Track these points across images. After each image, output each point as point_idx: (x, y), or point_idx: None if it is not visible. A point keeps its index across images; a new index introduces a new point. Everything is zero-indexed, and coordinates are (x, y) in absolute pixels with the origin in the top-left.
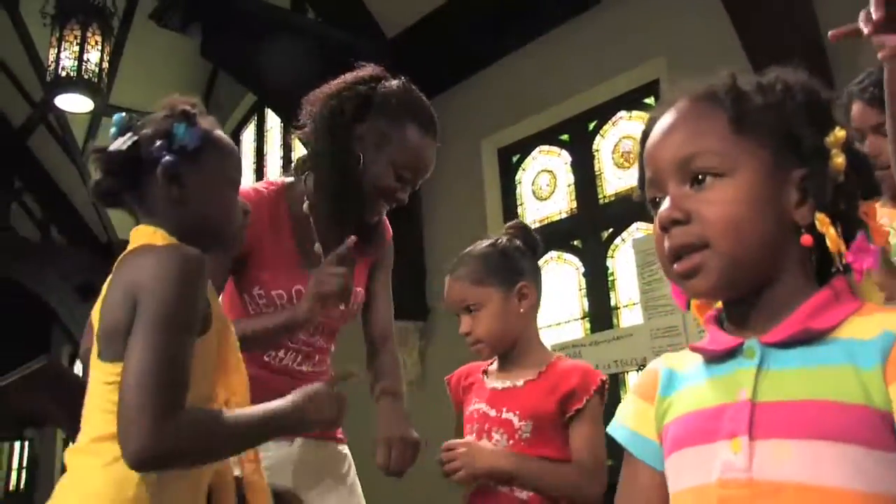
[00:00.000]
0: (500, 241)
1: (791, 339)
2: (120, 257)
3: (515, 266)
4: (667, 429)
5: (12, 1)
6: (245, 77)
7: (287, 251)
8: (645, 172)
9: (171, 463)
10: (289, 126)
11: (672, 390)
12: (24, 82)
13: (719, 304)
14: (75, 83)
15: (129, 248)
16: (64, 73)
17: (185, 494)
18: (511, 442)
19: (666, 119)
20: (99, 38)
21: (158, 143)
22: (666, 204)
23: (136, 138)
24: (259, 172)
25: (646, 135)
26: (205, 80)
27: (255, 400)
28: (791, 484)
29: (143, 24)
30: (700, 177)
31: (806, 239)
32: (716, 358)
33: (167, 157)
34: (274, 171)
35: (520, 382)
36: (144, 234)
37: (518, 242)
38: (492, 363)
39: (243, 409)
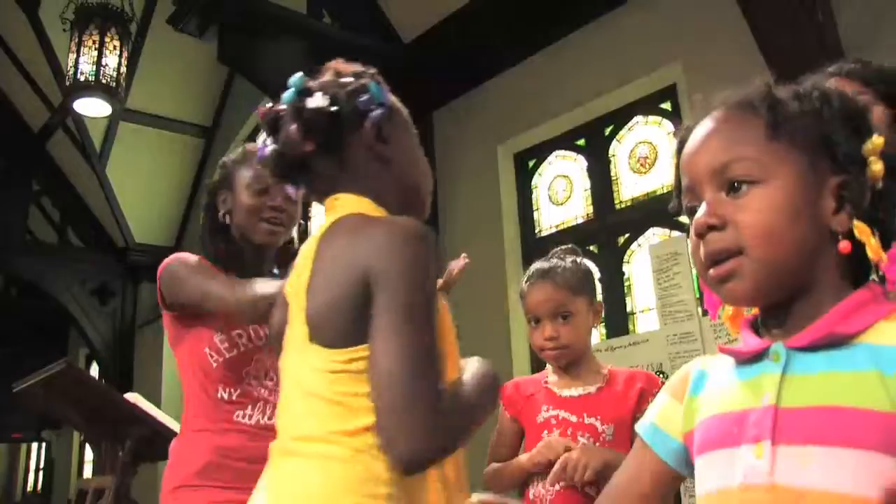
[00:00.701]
0: (579, 258)
1: (816, 343)
2: (324, 228)
3: (594, 284)
4: (695, 430)
5: (32, 6)
6: (261, 81)
7: None
8: (681, 180)
9: (443, 459)
10: None
11: (700, 391)
12: (44, 87)
13: (755, 311)
14: (94, 88)
15: (333, 218)
16: (82, 78)
17: (432, 484)
18: (597, 444)
19: (702, 127)
20: (117, 43)
21: (364, 97)
22: (702, 210)
23: (330, 96)
24: None
25: (682, 143)
26: (221, 84)
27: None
28: (813, 491)
29: (160, 29)
30: (736, 184)
31: (845, 246)
32: (744, 361)
33: (376, 111)
34: None
35: (593, 389)
36: (349, 203)
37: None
38: (549, 375)
39: (458, 381)
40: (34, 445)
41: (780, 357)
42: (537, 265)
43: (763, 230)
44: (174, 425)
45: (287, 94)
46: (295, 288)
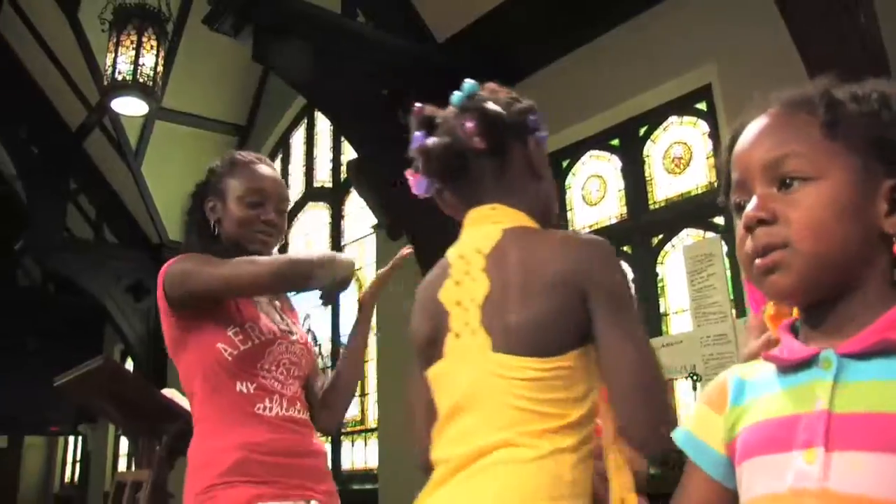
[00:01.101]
0: None
1: (869, 350)
2: (492, 239)
3: None
4: (739, 437)
5: (72, 7)
6: (296, 81)
7: None
8: (731, 176)
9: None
10: (338, 129)
11: (743, 399)
12: (82, 86)
13: (795, 314)
14: (131, 87)
15: (494, 229)
16: (120, 77)
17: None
18: None
19: (757, 123)
20: (154, 43)
21: (534, 116)
22: (752, 204)
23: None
24: (309, 175)
25: (733, 140)
26: (255, 83)
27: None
28: (865, 497)
29: (195, 29)
30: (788, 180)
31: None
32: (790, 367)
33: (543, 132)
34: (323, 174)
35: None
36: (509, 215)
37: None
38: None
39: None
40: (71, 439)
41: (832, 364)
42: None
43: (812, 225)
44: None
45: (459, 96)
46: (457, 298)
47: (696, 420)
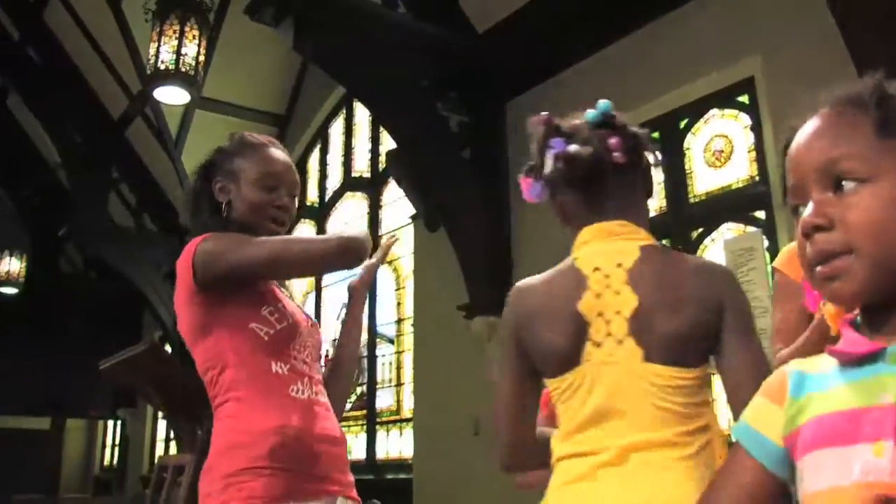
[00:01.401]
0: None
1: None
2: (633, 255)
3: None
4: (800, 431)
5: None
6: (336, 71)
7: None
8: (787, 180)
9: None
10: (378, 119)
11: (804, 392)
12: (124, 76)
13: (856, 310)
14: (173, 76)
15: (631, 245)
16: (163, 67)
17: None
18: None
19: (809, 125)
20: (196, 33)
21: (653, 144)
22: (808, 210)
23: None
24: (347, 166)
25: (788, 143)
26: (294, 73)
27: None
28: None
29: (235, 19)
30: (843, 183)
31: None
32: (853, 362)
33: (661, 157)
34: (362, 164)
35: None
36: (641, 234)
37: None
38: None
39: None
40: (110, 423)
41: None
42: None
43: (872, 228)
44: None
45: (595, 113)
46: (599, 309)
47: (754, 412)
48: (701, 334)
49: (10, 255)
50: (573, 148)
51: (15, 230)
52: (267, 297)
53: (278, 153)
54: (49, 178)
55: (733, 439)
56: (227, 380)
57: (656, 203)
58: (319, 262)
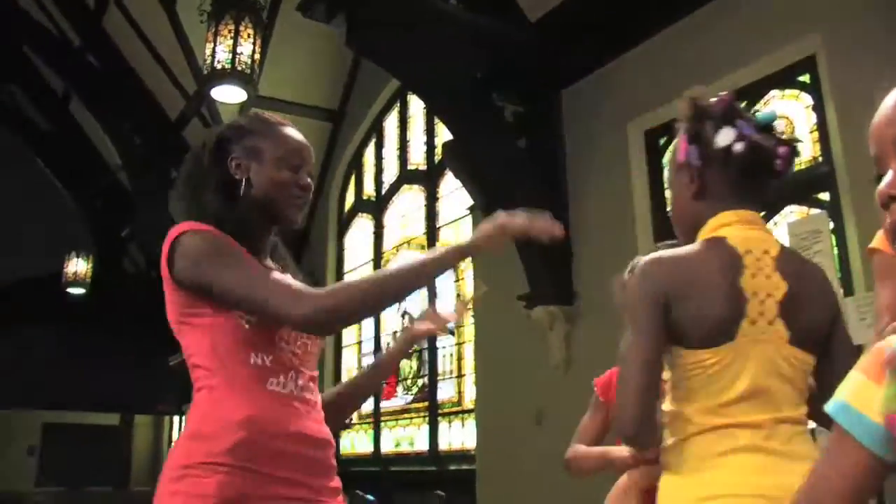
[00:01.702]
0: None
1: None
2: (776, 247)
3: None
4: None
5: (170, 1)
6: (388, 65)
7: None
8: (871, 150)
9: None
10: (432, 111)
11: None
12: (180, 77)
13: None
14: (230, 75)
15: (773, 238)
16: (219, 66)
17: None
18: None
19: (890, 98)
20: (251, 31)
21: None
22: (885, 180)
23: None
24: (403, 159)
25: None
26: (347, 68)
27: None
28: None
29: (287, 15)
30: None
31: None
32: None
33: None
34: (417, 156)
35: None
36: (769, 229)
37: None
38: None
39: None
40: (175, 418)
41: None
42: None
43: None
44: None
45: (766, 115)
46: (754, 289)
47: (851, 390)
48: (826, 329)
49: (77, 256)
50: (760, 137)
51: (80, 232)
52: None
53: (296, 133)
54: (111, 180)
55: (840, 424)
56: (203, 368)
57: None
58: (276, 318)
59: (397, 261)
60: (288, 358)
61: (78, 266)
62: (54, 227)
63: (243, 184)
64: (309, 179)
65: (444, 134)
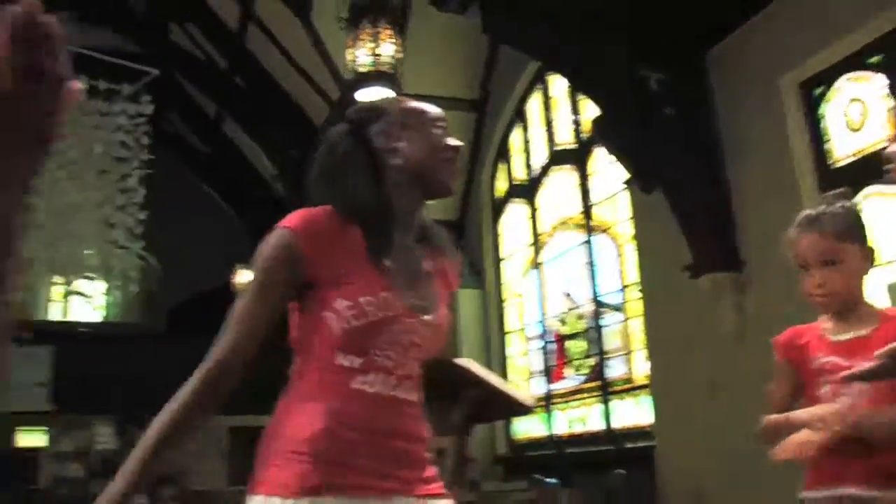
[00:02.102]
0: (848, 203)
1: None
2: None
3: (865, 228)
4: None
5: (305, 12)
6: (527, 47)
7: (359, 257)
8: None
9: None
10: (575, 89)
11: None
12: (323, 84)
13: None
14: (374, 77)
15: None
16: (363, 70)
17: None
18: (871, 387)
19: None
20: (390, 32)
21: None
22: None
23: None
24: (550, 140)
25: None
26: (485, 55)
27: (342, 441)
28: None
29: (420, 11)
30: None
31: None
32: None
33: None
34: (565, 136)
35: (865, 332)
36: None
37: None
38: (824, 322)
39: None
40: None
41: None
42: (805, 213)
43: None
44: (505, 387)
45: None
46: None
47: None
48: None
49: (244, 268)
50: None
51: (246, 245)
52: (352, 290)
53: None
54: (267, 192)
55: None
56: (297, 362)
57: (884, 134)
58: None
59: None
60: (379, 361)
61: (245, 277)
62: (221, 242)
63: (396, 152)
64: (456, 141)
65: (590, 110)
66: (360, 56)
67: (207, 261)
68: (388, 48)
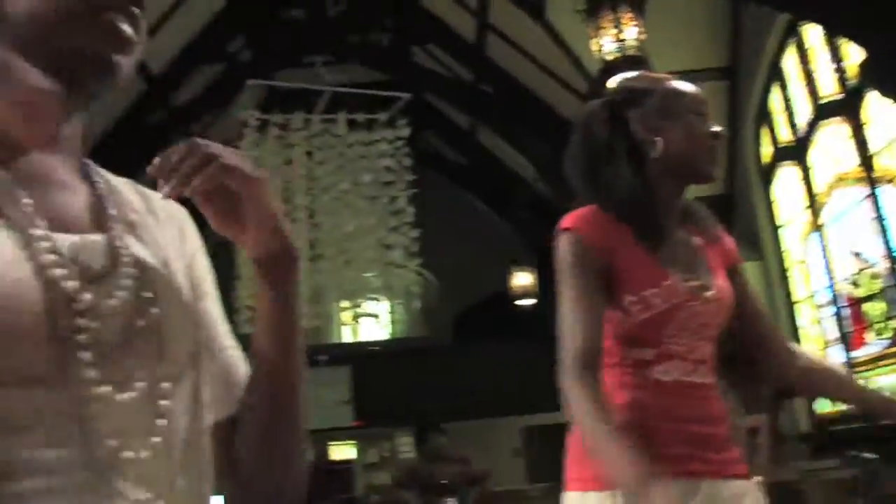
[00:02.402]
0: None
1: None
2: None
3: None
4: None
5: (538, 11)
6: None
7: (634, 250)
8: None
9: None
10: (833, 32)
11: None
12: (568, 80)
13: None
14: (623, 63)
15: None
16: (610, 58)
17: None
18: None
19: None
20: (631, 14)
21: None
22: None
23: None
24: (813, 95)
25: None
26: (728, 18)
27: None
28: None
29: None
30: None
31: None
32: None
33: None
34: (828, 88)
35: None
36: None
37: None
38: None
39: None
40: None
41: None
42: None
43: None
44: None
45: None
46: None
47: None
48: None
49: (519, 271)
50: None
51: (517, 247)
52: (634, 284)
53: (688, 84)
54: (530, 192)
55: None
56: (605, 353)
57: None
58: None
59: None
60: (672, 349)
61: (522, 279)
62: (492, 247)
63: (655, 144)
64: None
65: (854, 54)
66: (606, 44)
67: (482, 267)
68: (631, 32)
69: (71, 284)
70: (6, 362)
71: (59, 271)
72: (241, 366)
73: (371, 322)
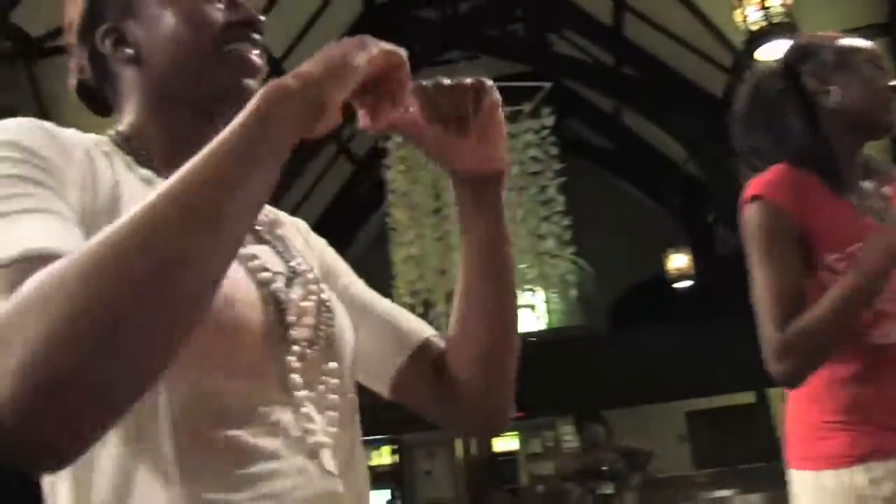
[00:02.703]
0: None
1: None
2: None
3: None
4: None
5: None
6: None
7: (827, 206)
8: None
9: None
10: None
11: None
12: (711, 53)
13: None
14: (771, 31)
15: None
16: (756, 28)
17: None
18: None
19: None
20: None
21: None
22: None
23: None
24: None
25: None
26: None
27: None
28: None
29: None
30: None
31: None
32: None
33: None
34: None
35: None
36: None
37: None
38: None
39: None
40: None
41: None
42: None
43: None
44: None
45: None
46: None
47: None
48: None
49: (676, 252)
50: None
51: (670, 230)
52: (836, 242)
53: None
54: (680, 172)
55: None
56: None
57: None
58: None
59: None
60: (887, 308)
61: (677, 262)
62: (646, 232)
63: (829, 94)
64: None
65: None
66: (751, 14)
67: (636, 252)
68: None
69: (276, 286)
70: (239, 354)
71: (265, 274)
72: (401, 317)
73: (527, 313)
